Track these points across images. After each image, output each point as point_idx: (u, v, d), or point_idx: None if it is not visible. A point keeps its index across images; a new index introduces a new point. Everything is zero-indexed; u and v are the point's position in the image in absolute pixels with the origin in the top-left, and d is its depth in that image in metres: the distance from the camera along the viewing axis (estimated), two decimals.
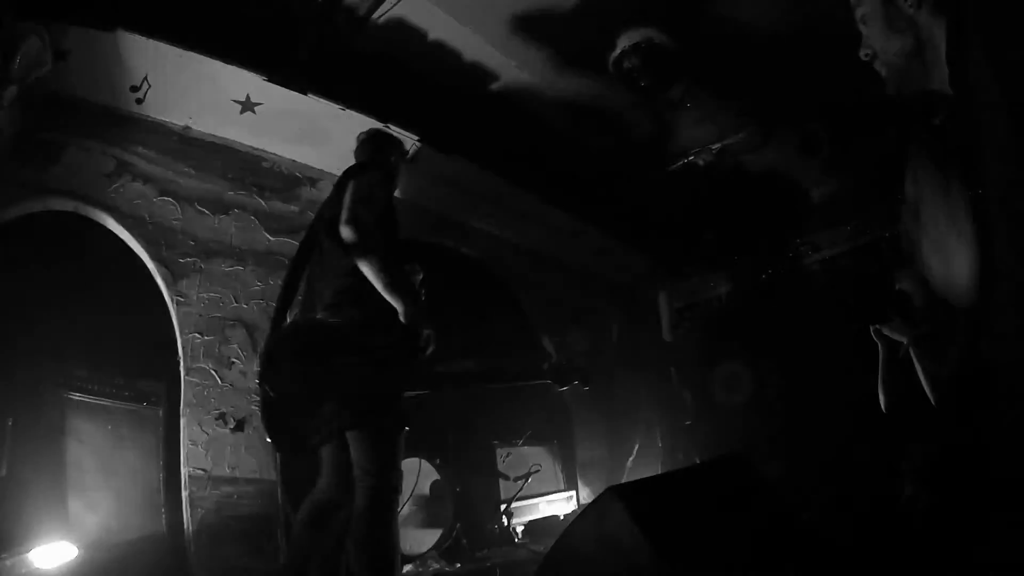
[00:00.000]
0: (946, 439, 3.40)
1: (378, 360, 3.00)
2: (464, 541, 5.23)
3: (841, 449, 5.07)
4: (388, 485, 2.96)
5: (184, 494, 4.19)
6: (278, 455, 4.40)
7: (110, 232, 4.40)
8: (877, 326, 3.76)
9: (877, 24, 1.87)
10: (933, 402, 3.43)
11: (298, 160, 5.05)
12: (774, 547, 2.35)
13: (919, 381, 3.54)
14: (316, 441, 3.03)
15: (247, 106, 4.49)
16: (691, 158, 5.99)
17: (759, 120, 5.57)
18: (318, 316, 3.24)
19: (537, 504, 6.12)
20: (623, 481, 6.28)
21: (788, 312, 6.55)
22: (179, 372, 4.34)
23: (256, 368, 3.90)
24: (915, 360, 3.55)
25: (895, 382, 3.86)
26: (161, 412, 4.43)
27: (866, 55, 1.94)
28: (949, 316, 3.53)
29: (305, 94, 4.39)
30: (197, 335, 4.39)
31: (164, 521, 4.25)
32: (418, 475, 5.10)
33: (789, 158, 5.71)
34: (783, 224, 6.75)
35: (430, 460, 5.28)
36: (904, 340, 3.65)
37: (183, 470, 4.22)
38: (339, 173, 5.11)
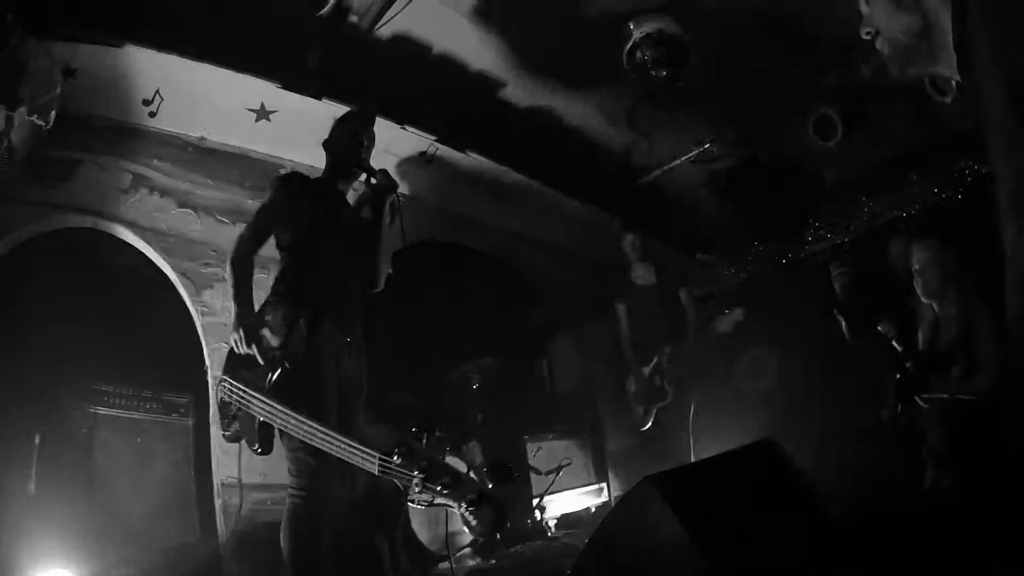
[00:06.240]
0: (966, 422, 3.43)
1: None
2: (498, 536, 5.23)
3: (862, 434, 5.03)
4: (301, 494, 2.97)
5: (217, 503, 4.22)
6: None
7: (130, 246, 4.42)
8: (879, 327, 3.92)
9: (881, 1, 1.83)
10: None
11: (316, 166, 5.00)
12: (809, 534, 2.33)
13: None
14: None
15: (262, 114, 4.49)
16: (706, 146, 5.96)
17: (772, 106, 5.53)
18: None
19: (569, 497, 6.11)
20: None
21: (809, 297, 6.49)
22: (206, 382, 4.35)
23: None
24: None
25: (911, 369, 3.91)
26: (191, 423, 4.46)
27: (868, 33, 1.90)
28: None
29: (319, 99, 4.39)
30: (223, 344, 4.39)
31: (197, 530, 4.29)
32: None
33: (804, 142, 5.66)
34: (800, 208, 6.69)
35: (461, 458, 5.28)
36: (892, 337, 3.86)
37: (215, 479, 4.25)
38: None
